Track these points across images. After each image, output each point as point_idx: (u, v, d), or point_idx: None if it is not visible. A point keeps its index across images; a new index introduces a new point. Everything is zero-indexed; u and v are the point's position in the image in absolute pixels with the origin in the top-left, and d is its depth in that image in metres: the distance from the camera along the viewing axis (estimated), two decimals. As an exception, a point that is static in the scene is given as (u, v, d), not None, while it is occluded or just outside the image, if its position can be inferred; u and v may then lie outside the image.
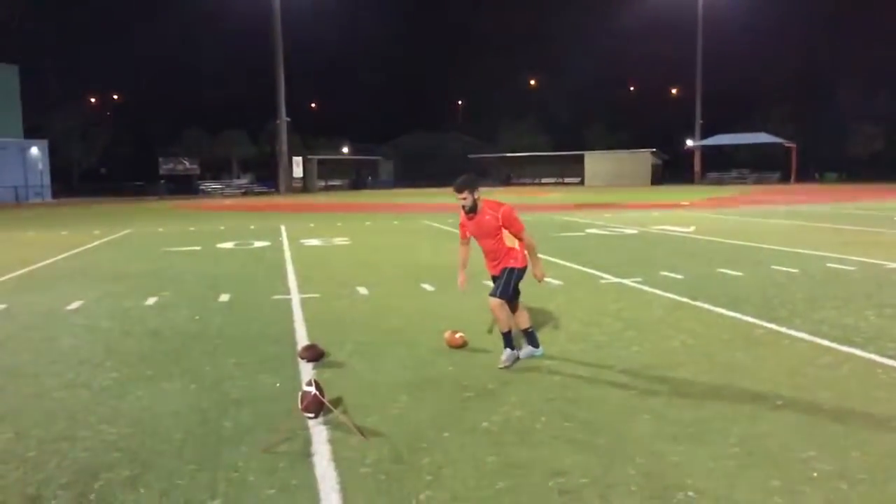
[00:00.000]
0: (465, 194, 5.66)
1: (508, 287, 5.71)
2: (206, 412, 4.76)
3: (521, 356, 5.89)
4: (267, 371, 5.69)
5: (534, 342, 6.02)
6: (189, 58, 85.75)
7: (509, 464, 3.87)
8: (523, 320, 5.96)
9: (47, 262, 13.24)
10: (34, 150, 52.97)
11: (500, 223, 5.68)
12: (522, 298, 5.96)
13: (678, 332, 6.72)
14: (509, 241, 5.77)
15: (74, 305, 8.67)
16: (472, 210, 5.73)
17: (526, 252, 5.83)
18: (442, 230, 18.51)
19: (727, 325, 7.03)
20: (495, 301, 5.67)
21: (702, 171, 68.04)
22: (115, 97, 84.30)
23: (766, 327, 6.88)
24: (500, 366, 5.67)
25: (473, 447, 4.10)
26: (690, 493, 3.49)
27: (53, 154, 56.07)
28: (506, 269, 5.74)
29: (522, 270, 5.81)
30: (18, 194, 48.86)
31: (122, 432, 4.41)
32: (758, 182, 63.00)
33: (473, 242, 5.94)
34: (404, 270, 11.31)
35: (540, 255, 6.05)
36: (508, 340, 5.79)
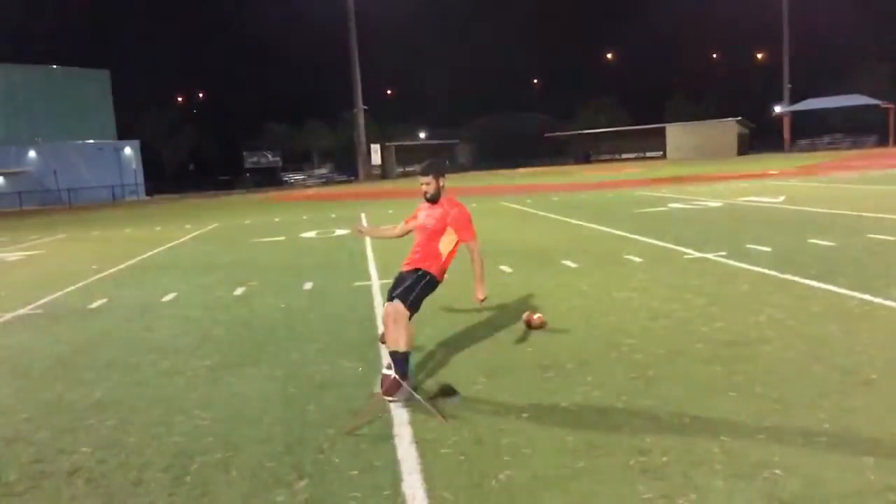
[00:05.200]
0: (430, 179, 5.24)
1: (414, 292, 4.89)
2: (292, 397, 4.93)
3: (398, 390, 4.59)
4: (349, 356, 5.82)
5: (403, 368, 4.66)
6: (267, 52, 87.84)
7: (589, 443, 3.85)
8: (405, 339, 4.73)
9: (143, 256, 13.91)
10: (127, 150, 55.57)
11: (446, 224, 5.17)
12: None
13: (765, 307, 6.50)
14: (444, 246, 5.24)
15: (169, 297, 9.09)
16: (433, 199, 5.30)
17: (474, 268, 5.39)
18: (520, 211, 18.40)
19: (818, 298, 6.75)
20: (393, 306, 4.76)
21: (791, 138, 65.19)
22: (201, 95, 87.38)
23: (860, 298, 6.58)
24: (380, 395, 4.59)
25: (553, 427, 4.10)
26: (777, 471, 3.39)
27: (145, 153, 58.72)
28: (419, 269, 5.08)
29: (436, 283, 5.16)
30: (115, 193, 51.44)
31: (215, 417, 4.62)
32: (853, 146, 59.96)
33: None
34: (483, 252, 11.28)
35: (484, 272, 5.58)
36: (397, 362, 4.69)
